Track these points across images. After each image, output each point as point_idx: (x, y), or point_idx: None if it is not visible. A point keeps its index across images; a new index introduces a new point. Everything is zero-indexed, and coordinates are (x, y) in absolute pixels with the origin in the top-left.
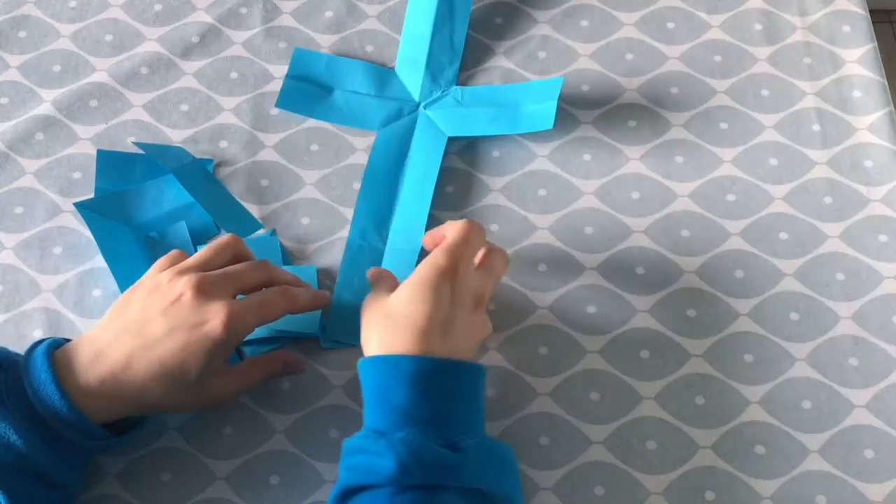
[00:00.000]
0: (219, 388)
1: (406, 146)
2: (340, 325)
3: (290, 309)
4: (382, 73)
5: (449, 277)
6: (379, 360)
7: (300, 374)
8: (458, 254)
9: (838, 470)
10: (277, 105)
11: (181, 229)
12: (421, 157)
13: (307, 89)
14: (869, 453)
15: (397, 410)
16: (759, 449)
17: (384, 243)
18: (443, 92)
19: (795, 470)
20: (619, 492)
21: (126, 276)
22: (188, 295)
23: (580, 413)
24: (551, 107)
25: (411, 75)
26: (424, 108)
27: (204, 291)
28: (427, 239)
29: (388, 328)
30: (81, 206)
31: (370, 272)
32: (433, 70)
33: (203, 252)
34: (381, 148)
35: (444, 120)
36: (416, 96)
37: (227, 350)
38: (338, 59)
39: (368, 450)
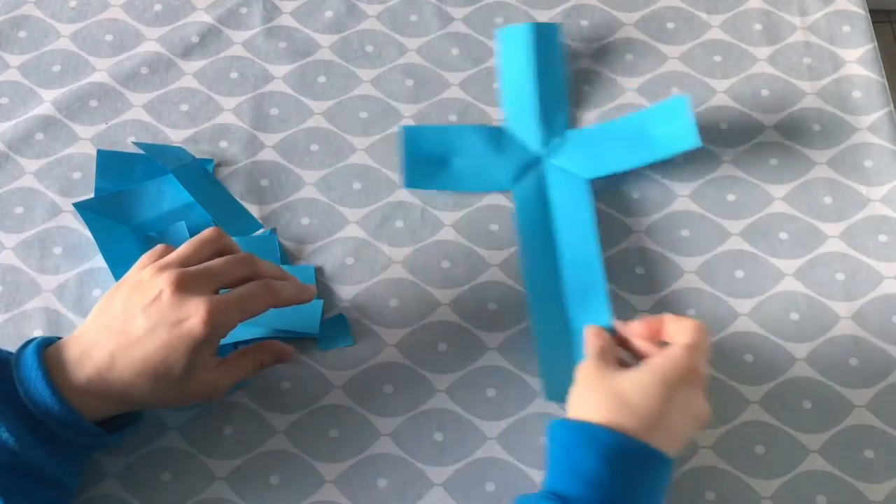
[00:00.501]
0: (207, 382)
1: (544, 198)
2: (557, 387)
3: (274, 303)
4: (495, 133)
5: (687, 381)
6: (581, 425)
7: (290, 362)
8: (697, 359)
9: (838, 470)
10: (406, 187)
11: (181, 229)
12: (566, 205)
13: (426, 164)
14: (869, 453)
15: (585, 481)
16: (759, 449)
17: (563, 297)
18: (561, 138)
19: (795, 470)
20: None
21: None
22: (167, 292)
23: None
24: (688, 125)
25: (524, 128)
26: (548, 157)
27: (184, 287)
28: (644, 328)
29: (614, 407)
30: (81, 207)
31: (589, 333)
32: (546, 118)
33: (185, 247)
34: (524, 206)
35: (575, 164)
36: (535, 148)
37: (211, 346)
38: (447, 128)
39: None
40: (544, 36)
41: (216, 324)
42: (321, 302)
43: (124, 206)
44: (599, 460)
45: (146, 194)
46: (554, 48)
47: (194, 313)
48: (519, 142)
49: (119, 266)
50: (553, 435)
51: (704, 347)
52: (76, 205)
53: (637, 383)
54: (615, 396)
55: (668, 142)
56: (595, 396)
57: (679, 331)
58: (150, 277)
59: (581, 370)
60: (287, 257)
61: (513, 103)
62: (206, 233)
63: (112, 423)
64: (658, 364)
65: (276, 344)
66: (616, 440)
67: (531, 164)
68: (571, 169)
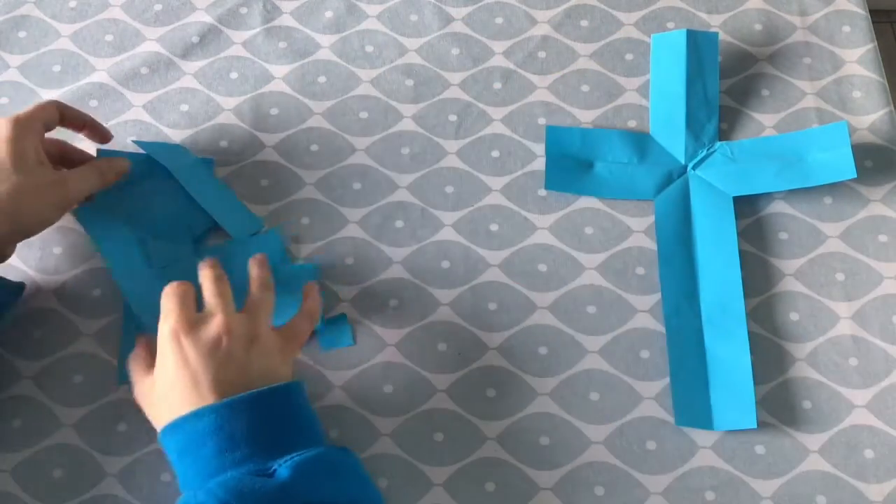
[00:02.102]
0: (48, 176)
1: (686, 211)
2: (688, 410)
3: (62, 112)
4: (640, 139)
5: (178, 339)
6: (177, 423)
7: (126, 171)
8: (170, 315)
9: (838, 470)
10: (547, 187)
11: (182, 229)
12: (708, 221)
13: (569, 166)
14: (869, 453)
15: (211, 462)
16: (759, 449)
17: (699, 316)
18: (708, 150)
19: (795, 470)
20: (619, 492)
21: (126, 275)
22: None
23: (580, 413)
24: (846, 153)
25: (671, 137)
26: (693, 168)
27: None
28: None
29: (167, 399)
30: (80, 211)
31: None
32: (694, 128)
33: None
34: (664, 218)
35: (721, 179)
36: (681, 158)
37: (24, 137)
38: (592, 131)
39: None
40: (699, 44)
41: (15, 121)
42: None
43: (124, 206)
44: (209, 438)
45: (146, 194)
46: (709, 57)
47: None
48: (664, 151)
49: (119, 266)
50: (166, 445)
51: (167, 296)
52: (75, 212)
53: (157, 373)
54: (160, 393)
55: (824, 169)
56: (152, 403)
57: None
58: None
59: (137, 395)
60: (287, 257)
61: (661, 111)
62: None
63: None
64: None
65: (112, 158)
66: (214, 411)
67: (675, 175)
68: (717, 184)
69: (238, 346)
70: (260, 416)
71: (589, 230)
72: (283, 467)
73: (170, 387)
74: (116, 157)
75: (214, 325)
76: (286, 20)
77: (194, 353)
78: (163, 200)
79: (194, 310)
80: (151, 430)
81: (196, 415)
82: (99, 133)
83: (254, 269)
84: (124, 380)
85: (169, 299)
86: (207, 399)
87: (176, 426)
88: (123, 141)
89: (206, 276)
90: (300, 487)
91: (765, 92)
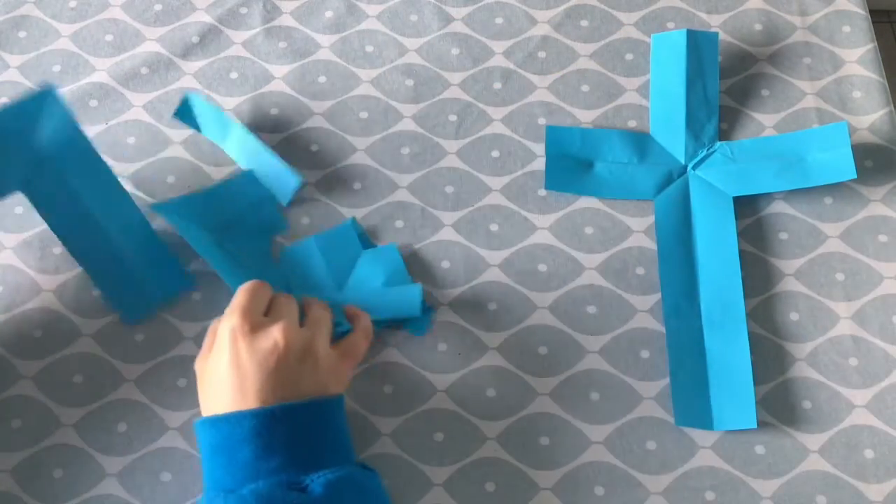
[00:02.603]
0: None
1: (686, 211)
2: (688, 410)
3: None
4: (640, 139)
5: (236, 338)
6: (219, 420)
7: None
8: (237, 312)
9: (838, 470)
10: (547, 188)
11: (256, 231)
12: (708, 221)
13: (569, 166)
14: (869, 453)
15: (246, 468)
16: (759, 449)
17: (699, 317)
18: (708, 150)
19: (795, 470)
20: (619, 492)
21: (229, 271)
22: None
23: (580, 413)
24: (846, 154)
25: (671, 137)
26: (693, 168)
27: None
28: None
29: (212, 393)
30: (159, 208)
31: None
32: (694, 128)
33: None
34: (664, 218)
35: (721, 179)
36: (681, 158)
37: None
38: (592, 131)
39: None
40: (699, 44)
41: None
42: (419, 286)
43: (198, 207)
44: (247, 443)
45: (217, 196)
46: (709, 57)
47: None
48: (664, 151)
49: (219, 261)
50: (200, 435)
51: (254, 298)
52: (154, 206)
53: (209, 361)
54: (210, 382)
55: (824, 169)
56: (204, 389)
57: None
58: None
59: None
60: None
61: (661, 111)
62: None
63: None
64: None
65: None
66: (256, 416)
67: (675, 175)
68: (717, 184)
69: (292, 357)
70: (299, 429)
71: (589, 230)
72: (315, 483)
73: (218, 380)
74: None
75: (273, 332)
76: (286, 20)
77: (248, 357)
78: (235, 200)
79: (261, 312)
80: (151, 429)
81: (238, 417)
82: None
83: (287, 298)
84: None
85: (240, 295)
86: (251, 403)
87: (215, 422)
88: (123, 141)
89: (277, 293)
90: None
91: (765, 92)
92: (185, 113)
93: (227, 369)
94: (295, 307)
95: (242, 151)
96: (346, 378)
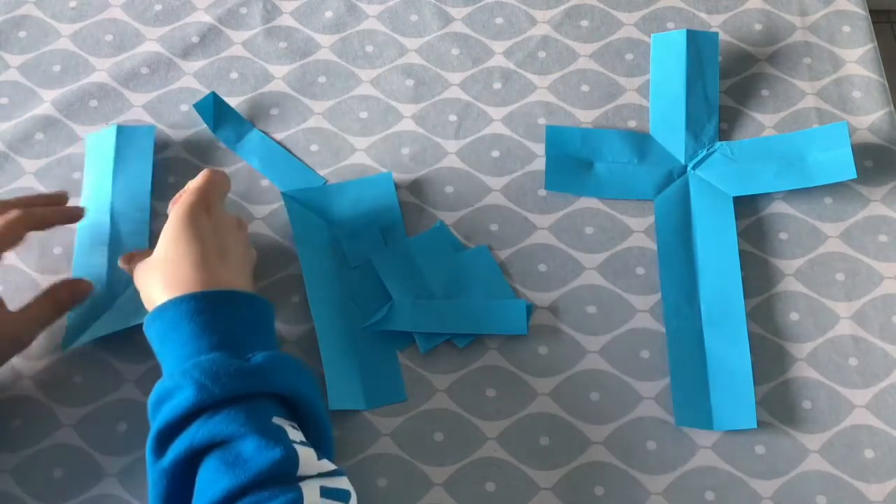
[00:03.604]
0: (3, 324)
1: (686, 211)
2: (688, 410)
3: (28, 225)
4: (640, 139)
5: (202, 209)
6: (160, 309)
7: (87, 295)
8: (204, 190)
9: (838, 470)
10: (547, 188)
11: (373, 229)
12: (708, 221)
13: (569, 166)
14: (869, 453)
15: (187, 345)
16: (759, 449)
17: (699, 316)
18: (708, 150)
19: (795, 470)
20: (619, 492)
21: (311, 268)
22: None
23: (580, 413)
24: (846, 154)
25: (671, 137)
26: (693, 168)
27: None
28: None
29: (166, 273)
30: (287, 196)
31: (121, 261)
32: (694, 129)
33: None
34: (664, 218)
35: (721, 179)
36: (681, 158)
37: None
38: (592, 132)
39: (167, 388)
40: (700, 44)
41: None
42: (524, 302)
43: (325, 200)
44: (188, 323)
45: (345, 193)
46: (709, 57)
47: None
48: (664, 151)
49: (308, 256)
50: (149, 330)
51: (214, 185)
52: (283, 194)
53: (165, 245)
54: (157, 267)
55: (823, 169)
56: (148, 279)
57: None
58: None
59: (134, 276)
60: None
61: (661, 111)
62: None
63: None
64: (170, 216)
65: (70, 281)
66: (196, 299)
67: (675, 175)
68: (717, 184)
69: (239, 252)
70: (240, 315)
71: (589, 230)
72: (255, 357)
73: (169, 261)
74: (77, 280)
75: (231, 221)
76: (286, 20)
77: (211, 231)
78: (359, 200)
79: (219, 202)
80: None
81: (180, 299)
82: (67, 217)
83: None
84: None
85: (205, 175)
86: (204, 277)
87: (160, 312)
88: None
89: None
90: (270, 376)
91: (765, 92)
92: (204, 107)
93: (187, 240)
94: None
95: (261, 154)
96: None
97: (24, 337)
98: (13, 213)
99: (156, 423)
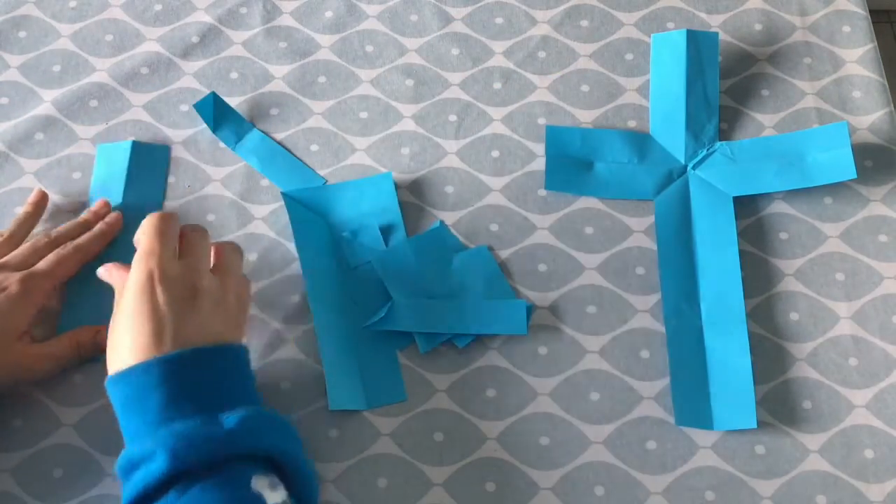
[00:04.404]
0: (18, 353)
1: (686, 211)
2: (688, 410)
3: (83, 258)
4: (640, 139)
5: (152, 283)
6: (127, 373)
7: (102, 350)
8: (152, 256)
9: (838, 470)
10: (547, 188)
11: (373, 229)
12: (708, 221)
13: (569, 166)
14: (869, 453)
15: (156, 411)
16: (759, 449)
17: (699, 318)
18: (708, 150)
19: (795, 470)
20: (619, 492)
21: (311, 268)
22: None
23: (580, 413)
24: (846, 154)
25: (671, 137)
26: (693, 168)
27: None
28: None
29: (124, 344)
30: (287, 197)
31: (100, 271)
32: (694, 128)
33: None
34: (664, 218)
35: (721, 179)
36: (681, 158)
37: (27, 303)
38: (592, 132)
39: (138, 455)
40: (700, 44)
41: (28, 284)
42: (524, 303)
43: (324, 200)
44: (157, 390)
45: (347, 192)
46: (709, 57)
47: (12, 282)
48: (664, 151)
49: (308, 256)
50: (112, 393)
51: (163, 237)
52: (283, 194)
53: (122, 315)
54: (116, 336)
55: (824, 169)
56: (111, 345)
57: (140, 238)
58: None
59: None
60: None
61: (661, 111)
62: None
63: None
64: (126, 286)
65: (97, 328)
66: (164, 362)
67: (675, 175)
68: (717, 184)
69: (207, 303)
70: (209, 373)
71: (589, 230)
72: (229, 418)
73: (128, 329)
74: (103, 329)
75: (189, 277)
76: (286, 20)
77: (166, 303)
78: (361, 200)
79: (174, 252)
80: None
81: (146, 365)
82: (112, 233)
83: (201, 235)
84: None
85: (150, 235)
86: (165, 348)
87: (125, 375)
88: (123, 141)
89: (187, 227)
90: (247, 437)
91: (765, 92)
92: (204, 107)
93: (141, 316)
94: (207, 245)
95: (261, 154)
96: (245, 324)
97: (37, 369)
98: (60, 250)
99: (127, 491)
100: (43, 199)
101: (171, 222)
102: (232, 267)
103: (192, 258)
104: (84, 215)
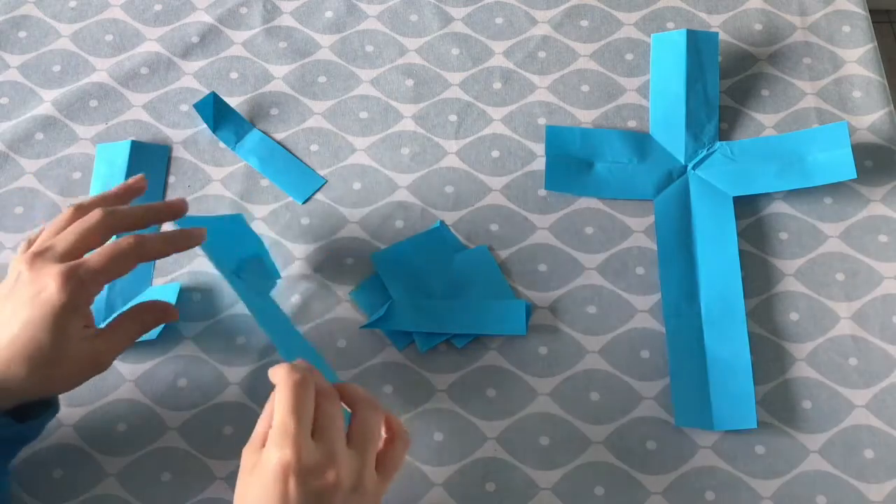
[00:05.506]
0: (87, 352)
1: (686, 211)
2: (688, 410)
3: (140, 256)
4: (640, 139)
5: (286, 475)
6: None
7: (174, 321)
8: (286, 438)
9: (838, 470)
10: (547, 188)
11: (262, 265)
12: (708, 221)
13: (569, 166)
14: (869, 453)
15: None
16: (759, 449)
17: (699, 316)
18: (708, 149)
19: (795, 470)
20: (619, 492)
21: (245, 293)
22: (24, 270)
23: (580, 413)
24: (846, 154)
25: (671, 137)
26: (693, 168)
27: (36, 263)
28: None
29: None
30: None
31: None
32: (694, 129)
33: (47, 231)
34: (664, 218)
35: (721, 179)
36: (681, 158)
37: (76, 312)
38: (592, 131)
39: None
40: (700, 44)
41: (73, 288)
42: (523, 303)
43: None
44: None
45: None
46: (709, 57)
47: (49, 282)
48: (664, 151)
49: (236, 283)
50: None
51: (287, 404)
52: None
53: (247, 495)
54: None
55: (824, 169)
56: None
57: (275, 408)
58: (12, 267)
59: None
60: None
61: (661, 111)
62: (64, 215)
63: (26, 413)
64: (262, 463)
65: (158, 303)
66: None
67: (675, 175)
68: (717, 184)
69: (342, 493)
70: None
71: (589, 230)
72: None
73: None
74: (167, 305)
75: (327, 469)
76: (286, 20)
77: (298, 500)
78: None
79: (310, 430)
80: (152, 429)
81: None
82: (172, 213)
83: (356, 391)
84: None
85: (286, 409)
86: None
87: None
88: (123, 140)
89: (319, 391)
90: None
91: (765, 92)
92: (204, 107)
93: None
94: (340, 415)
95: (261, 154)
96: (383, 494)
97: (105, 361)
98: (119, 241)
99: None
100: (141, 182)
101: (308, 391)
102: (372, 438)
103: (328, 441)
104: (153, 203)
